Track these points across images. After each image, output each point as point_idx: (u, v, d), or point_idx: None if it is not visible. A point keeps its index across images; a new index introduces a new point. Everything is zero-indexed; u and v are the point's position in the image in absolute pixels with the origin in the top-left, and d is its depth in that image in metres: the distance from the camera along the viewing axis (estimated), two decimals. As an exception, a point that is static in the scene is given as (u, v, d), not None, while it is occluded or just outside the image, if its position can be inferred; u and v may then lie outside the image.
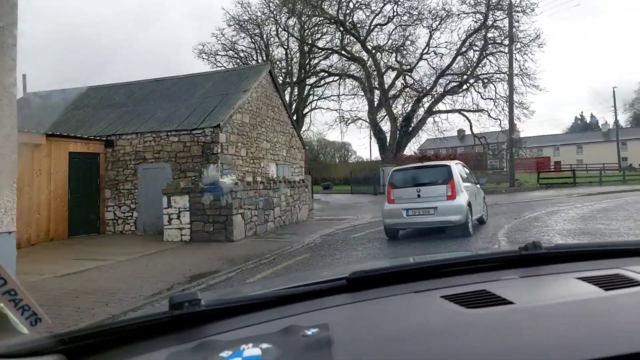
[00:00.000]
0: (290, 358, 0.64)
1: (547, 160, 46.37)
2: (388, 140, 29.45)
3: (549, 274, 1.05)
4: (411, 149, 32.58)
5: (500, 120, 28.80)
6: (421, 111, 29.55)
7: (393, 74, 30.01)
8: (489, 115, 29.04)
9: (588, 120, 75.70)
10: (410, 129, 29.92)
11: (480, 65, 28.21)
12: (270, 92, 14.83)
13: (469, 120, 29.48)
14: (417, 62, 29.32)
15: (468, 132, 30.77)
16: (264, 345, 0.67)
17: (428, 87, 28.56)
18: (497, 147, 31.64)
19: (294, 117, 33.14)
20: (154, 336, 0.82)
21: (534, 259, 1.10)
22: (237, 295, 1.21)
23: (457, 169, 8.70)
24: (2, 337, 0.61)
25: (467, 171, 9.84)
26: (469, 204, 8.35)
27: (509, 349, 0.66)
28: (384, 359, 0.67)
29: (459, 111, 29.76)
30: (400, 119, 29.78)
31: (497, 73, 27.86)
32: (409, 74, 29.50)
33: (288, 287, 1.09)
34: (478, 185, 10.13)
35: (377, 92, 29.65)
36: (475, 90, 28.69)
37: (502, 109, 28.31)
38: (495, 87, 28.43)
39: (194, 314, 0.84)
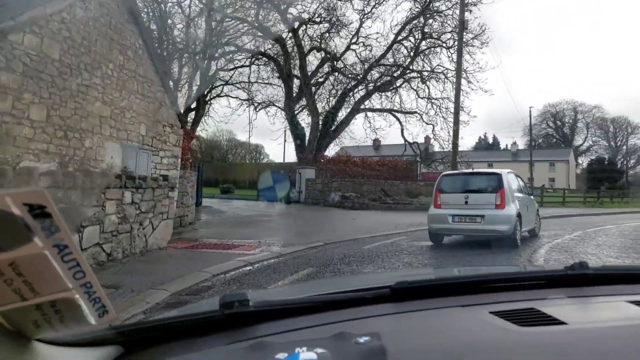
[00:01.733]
0: None
1: None
2: (307, 137, 24.25)
3: (598, 296, 1.03)
4: (334, 150, 27.73)
5: (433, 125, 25.24)
6: (342, 113, 24.83)
7: (316, 61, 24.98)
8: (421, 119, 25.36)
9: (490, 141, 79.24)
10: (334, 127, 25.08)
11: (418, 58, 24.34)
12: (122, 23, 8.66)
13: (400, 123, 25.48)
14: (345, 51, 24.61)
15: (385, 142, 26.85)
16: (319, 350, 0.67)
17: (359, 77, 23.89)
18: (426, 154, 28.15)
19: (195, 105, 26.85)
20: (204, 333, 0.84)
21: (581, 279, 1.09)
22: (282, 297, 1.24)
23: (509, 178, 8.38)
24: (72, 326, 0.61)
25: (522, 183, 9.49)
26: (519, 215, 8.05)
27: None
28: None
29: (390, 111, 25.64)
30: (324, 113, 24.79)
31: (435, 72, 24.21)
32: (336, 62, 24.65)
33: (332, 293, 1.13)
34: (532, 197, 9.84)
35: (297, 82, 24.36)
36: (412, 88, 24.76)
37: (438, 112, 24.79)
38: (428, 87, 24.69)
39: (243, 313, 0.86)
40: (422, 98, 24.27)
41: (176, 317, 0.94)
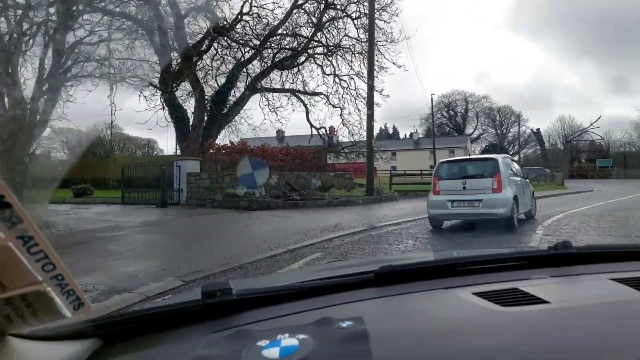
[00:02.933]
0: (327, 349, 0.63)
1: (364, 165, 43.89)
2: (192, 122, 19.58)
3: (581, 274, 1.04)
4: (227, 138, 23.20)
5: (341, 108, 22.19)
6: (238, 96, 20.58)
7: (200, 32, 20.29)
8: (328, 101, 22.17)
9: (391, 131, 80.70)
10: (226, 109, 20.73)
11: (322, 32, 20.94)
12: None
13: (305, 105, 21.99)
14: (236, 22, 20.20)
15: (291, 132, 23.30)
16: (301, 336, 0.67)
17: (252, 43, 19.71)
18: (331, 144, 25.04)
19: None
20: (187, 324, 0.83)
21: (564, 258, 1.10)
22: (266, 285, 1.22)
23: (505, 162, 8.67)
24: (47, 320, 0.60)
25: (517, 167, 9.85)
26: (516, 198, 8.35)
27: (548, 349, 0.66)
28: (422, 354, 0.67)
29: (292, 92, 22.00)
30: (212, 93, 20.27)
31: (342, 47, 21.05)
32: (225, 34, 20.18)
33: (316, 279, 1.10)
34: (527, 180, 10.18)
35: (175, 55, 19.43)
36: (317, 63, 21.33)
37: (347, 93, 21.76)
38: (333, 64, 21.48)
39: (226, 302, 0.84)
40: (328, 75, 20.97)
41: (156, 308, 0.91)
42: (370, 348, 0.63)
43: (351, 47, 20.94)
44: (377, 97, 19.24)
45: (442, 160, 9.68)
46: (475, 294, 0.88)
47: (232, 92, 21.01)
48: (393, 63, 19.81)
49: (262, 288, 1.01)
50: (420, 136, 65.52)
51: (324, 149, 21.39)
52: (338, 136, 25.40)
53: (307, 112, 21.79)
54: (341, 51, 20.80)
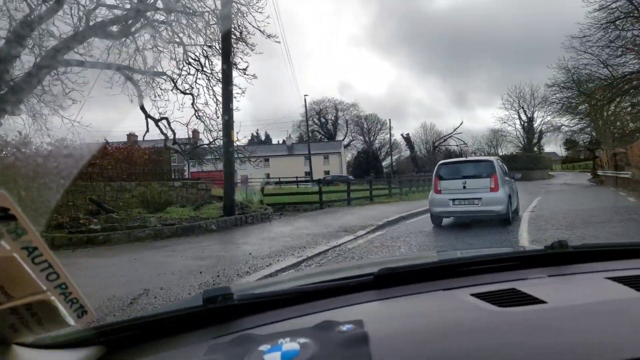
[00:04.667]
0: (328, 353, 0.64)
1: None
2: None
3: (577, 274, 1.04)
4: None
5: (193, 95, 16.35)
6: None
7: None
8: (175, 85, 16.13)
9: (263, 138, 76.64)
10: (5, 89, 13.25)
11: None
12: None
13: (137, 87, 15.57)
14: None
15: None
16: (302, 340, 0.67)
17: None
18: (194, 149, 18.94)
19: None
20: (189, 329, 0.83)
21: (560, 257, 1.10)
22: (267, 289, 1.23)
23: (498, 164, 9.22)
24: (51, 328, 0.61)
25: (505, 168, 10.09)
26: (509, 196, 8.91)
27: (546, 349, 0.66)
28: (421, 355, 0.67)
29: (119, 69, 15.40)
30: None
31: (188, 9, 15.22)
32: None
33: (316, 283, 1.12)
34: (513, 180, 10.50)
35: None
36: (155, 28, 15.12)
37: (200, 78, 15.97)
38: (182, 30, 15.57)
39: (227, 307, 0.85)
40: (170, 43, 14.93)
41: (158, 314, 0.92)
42: (370, 351, 0.64)
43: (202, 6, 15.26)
44: (240, 80, 13.96)
45: (442, 161, 10.03)
46: (473, 295, 0.88)
47: (16, 64, 13.62)
48: (260, 31, 14.68)
49: (262, 293, 1.08)
50: (294, 141, 62.06)
51: (165, 148, 15.22)
52: (202, 140, 19.29)
53: (141, 99, 15.38)
54: (188, 14, 14.95)
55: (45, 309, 0.57)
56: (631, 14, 24.54)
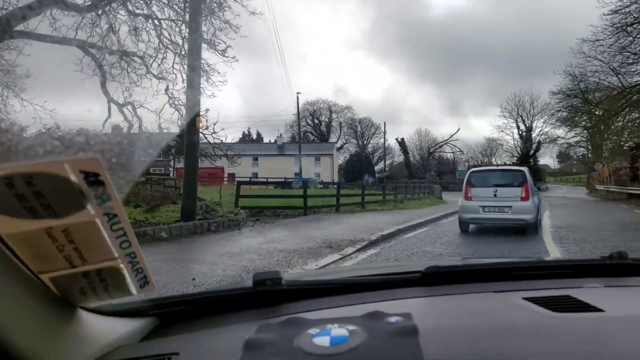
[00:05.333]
0: (377, 341, 0.64)
1: (221, 171, 36.88)
2: None
3: (636, 286, 1.01)
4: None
5: (167, 80, 14.40)
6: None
7: None
8: (147, 69, 14.17)
9: (255, 136, 74.72)
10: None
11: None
12: None
13: (100, 67, 13.62)
14: None
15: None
16: (350, 327, 0.68)
17: None
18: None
19: None
20: (237, 309, 0.86)
21: (619, 268, 1.06)
22: (313, 278, 1.23)
23: (528, 174, 9.33)
24: (116, 295, 0.62)
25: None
26: (538, 206, 9.16)
27: (603, 356, 0.64)
28: (470, 352, 0.66)
29: (89, 46, 13.38)
30: None
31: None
32: None
33: (364, 276, 1.15)
34: (538, 191, 10.49)
35: None
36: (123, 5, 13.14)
37: (176, 62, 14.06)
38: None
39: (275, 291, 0.86)
40: (136, 17, 12.96)
41: (210, 292, 0.97)
42: (419, 343, 0.63)
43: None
44: (214, 57, 12.09)
45: (473, 169, 10.43)
46: (525, 298, 0.86)
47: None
48: (241, 4, 12.73)
49: (310, 280, 1.07)
50: (285, 141, 60.12)
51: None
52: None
53: (104, 78, 13.40)
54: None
55: (114, 276, 0.58)
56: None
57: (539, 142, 52.32)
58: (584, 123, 33.99)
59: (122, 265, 0.57)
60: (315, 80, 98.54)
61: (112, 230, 0.53)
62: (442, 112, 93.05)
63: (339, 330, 0.66)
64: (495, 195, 8.91)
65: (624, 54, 23.77)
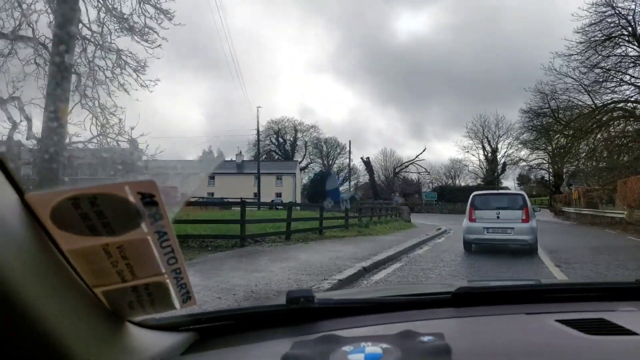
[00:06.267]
0: None
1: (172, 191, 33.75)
2: None
3: None
4: None
5: (79, 74, 11.70)
6: None
7: None
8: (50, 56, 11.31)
9: (215, 154, 71.28)
10: None
11: None
12: None
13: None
14: None
15: None
16: (384, 345, 0.68)
17: None
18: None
19: None
20: (271, 326, 0.88)
21: None
22: (345, 298, 1.25)
23: (527, 198, 9.92)
24: (160, 309, 0.64)
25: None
26: (536, 227, 9.49)
27: None
28: None
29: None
30: None
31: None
32: None
33: (395, 295, 1.15)
34: (534, 212, 10.71)
35: None
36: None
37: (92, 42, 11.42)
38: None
39: (308, 309, 0.88)
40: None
41: (246, 309, 1.00)
42: None
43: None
44: (143, 52, 9.60)
45: (476, 192, 10.65)
46: (558, 320, 0.86)
47: None
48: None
49: (342, 299, 1.11)
50: (246, 159, 57.17)
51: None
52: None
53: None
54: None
55: (160, 291, 0.60)
56: (619, 36, 22.32)
57: (504, 164, 51.95)
58: (543, 146, 33.31)
59: (168, 281, 0.59)
60: (282, 100, 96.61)
61: (162, 247, 0.56)
62: (405, 135, 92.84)
63: (372, 349, 0.67)
64: (498, 217, 9.37)
65: (596, 70, 22.88)
